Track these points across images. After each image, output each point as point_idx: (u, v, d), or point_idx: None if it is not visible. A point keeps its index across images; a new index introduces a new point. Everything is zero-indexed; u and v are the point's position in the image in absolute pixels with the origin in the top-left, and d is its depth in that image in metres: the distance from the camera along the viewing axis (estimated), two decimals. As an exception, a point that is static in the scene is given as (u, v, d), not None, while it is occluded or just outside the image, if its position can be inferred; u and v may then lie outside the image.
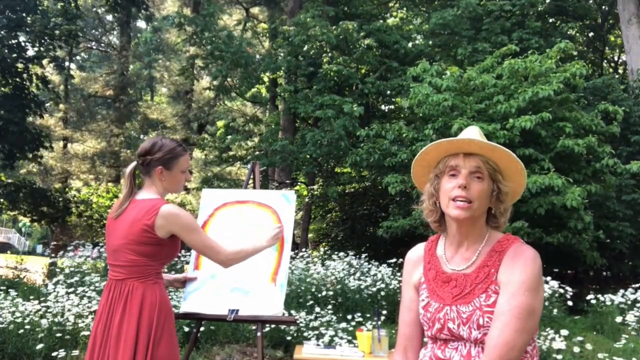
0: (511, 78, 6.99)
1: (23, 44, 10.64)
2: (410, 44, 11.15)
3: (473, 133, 1.34)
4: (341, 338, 4.25)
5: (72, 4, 11.67)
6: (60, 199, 13.37)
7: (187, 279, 2.53)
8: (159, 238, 1.93)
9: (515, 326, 1.16)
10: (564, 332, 4.39)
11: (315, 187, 11.49)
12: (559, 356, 4.12)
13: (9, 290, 4.84)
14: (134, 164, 2.07)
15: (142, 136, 20.84)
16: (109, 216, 2.07)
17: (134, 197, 2.01)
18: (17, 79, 10.43)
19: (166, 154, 2.02)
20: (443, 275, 1.32)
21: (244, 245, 2.23)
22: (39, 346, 3.81)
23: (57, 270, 6.08)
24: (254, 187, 3.13)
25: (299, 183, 13.21)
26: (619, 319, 5.04)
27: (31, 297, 4.70)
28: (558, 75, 6.72)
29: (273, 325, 4.50)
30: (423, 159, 1.37)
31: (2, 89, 10.43)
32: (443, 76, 7.31)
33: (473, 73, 7.04)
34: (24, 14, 10.17)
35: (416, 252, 1.44)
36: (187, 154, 2.11)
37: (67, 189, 16.18)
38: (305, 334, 4.53)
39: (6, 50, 9.89)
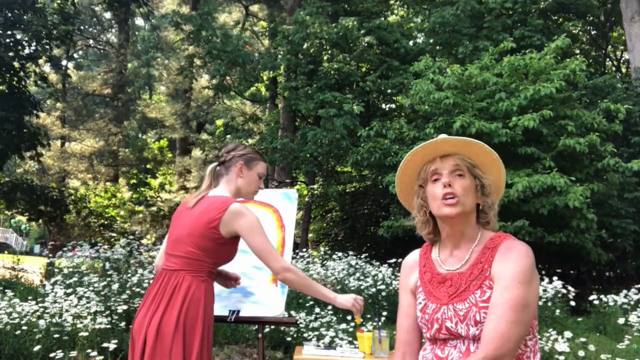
0: (512, 76, 6.95)
1: (20, 42, 10.57)
2: (411, 43, 11.11)
3: (443, 136, 1.37)
4: (341, 339, 4.20)
5: (69, 2, 11.60)
6: (58, 197, 13.28)
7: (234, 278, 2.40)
8: (221, 236, 1.94)
9: (510, 318, 1.16)
10: (567, 333, 4.36)
11: (316, 186, 11.45)
12: (562, 357, 4.08)
13: (6, 290, 4.80)
14: (214, 164, 2.16)
15: (140, 135, 20.78)
16: (181, 205, 2.11)
17: (207, 194, 2.05)
18: (15, 78, 10.35)
19: (249, 152, 2.14)
20: (438, 277, 1.34)
21: (310, 280, 2.09)
22: (37, 347, 3.75)
23: (55, 270, 6.03)
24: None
25: (299, 182, 13.17)
26: (622, 320, 5.00)
27: (29, 297, 4.64)
28: (558, 73, 6.68)
29: (273, 326, 4.46)
30: (404, 173, 1.40)
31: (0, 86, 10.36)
32: (445, 74, 7.27)
33: (474, 70, 7.01)
34: (21, 12, 10.09)
35: (412, 258, 1.47)
36: (266, 163, 2.22)
37: (64, 188, 16.09)
38: (305, 334, 4.49)
39: (2, 49, 9.81)
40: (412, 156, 1.36)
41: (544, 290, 5.38)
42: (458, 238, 1.34)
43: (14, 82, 10.34)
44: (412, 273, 1.43)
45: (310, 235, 12.59)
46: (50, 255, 8.45)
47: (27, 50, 10.81)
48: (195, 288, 1.92)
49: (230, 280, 2.36)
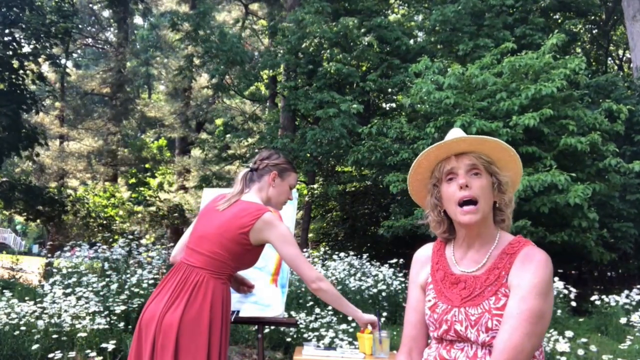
0: (512, 76, 6.93)
1: (19, 40, 10.53)
2: (411, 41, 11.07)
3: (458, 133, 1.32)
4: (342, 339, 4.17)
5: (66, 0, 11.57)
6: (56, 197, 13.23)
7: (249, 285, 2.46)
8: (249, 242, 1.96)
9: (524, 330, 1.14)
10: (568, 333, 4.33)
11: (316, 186, 11.42)
12: (563, 358, 4.05)
13: (5, 290, 4.76)
14: (246, 169, 2.17)
15: (139, 134, 20.72)
16: (210, 204, 2.12)
17: (239, 198, 2.06)
18: (13, 76, 10.31)
19: (283, 163, 2.16)
20: (452, 277, 1.30)
21: (339, 293, 2.14)
22: (35, 347, 3.73)
23: (54, 270, 6.00)
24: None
25: (298, 182, 13.13)
26: (623, 320, 4.98)
27: (27, 297, 4.61)
28: (559, 72, 6.65)
29: (273, 327, 4.43)
30: (417, 172, 1.36)
31: (-2, 85, 10.32)
32: (445, 73, 7.24)
33: (475, 70, 6.98)
34: (19, 11, 10.06)
35: (424, 252, 1.42)
36: (297, 175, 2.24)
37: (62, 188, 16.04)
38: (305, 335, 4.47)
39: (1, 47, 9.78)
40: (425, 156, 1.31)
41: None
42: (475, 238, 1.29)
43: (13, 81, 10.29)
44: (423, 268, 1.39)
45: (310, 235, 12.56)
46: (49, 255, 8.42)
47: (26, 49, 10.77)
48: (219, 292, 1.93)
49: (244, 286, 2.37)
